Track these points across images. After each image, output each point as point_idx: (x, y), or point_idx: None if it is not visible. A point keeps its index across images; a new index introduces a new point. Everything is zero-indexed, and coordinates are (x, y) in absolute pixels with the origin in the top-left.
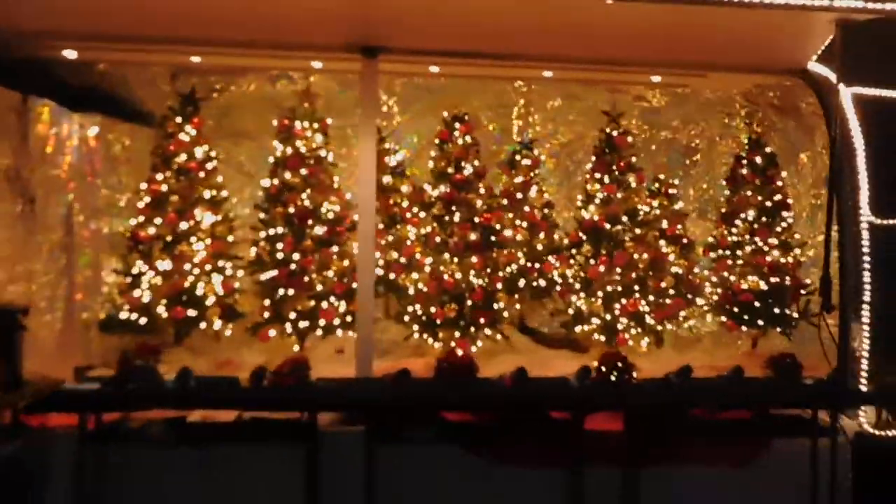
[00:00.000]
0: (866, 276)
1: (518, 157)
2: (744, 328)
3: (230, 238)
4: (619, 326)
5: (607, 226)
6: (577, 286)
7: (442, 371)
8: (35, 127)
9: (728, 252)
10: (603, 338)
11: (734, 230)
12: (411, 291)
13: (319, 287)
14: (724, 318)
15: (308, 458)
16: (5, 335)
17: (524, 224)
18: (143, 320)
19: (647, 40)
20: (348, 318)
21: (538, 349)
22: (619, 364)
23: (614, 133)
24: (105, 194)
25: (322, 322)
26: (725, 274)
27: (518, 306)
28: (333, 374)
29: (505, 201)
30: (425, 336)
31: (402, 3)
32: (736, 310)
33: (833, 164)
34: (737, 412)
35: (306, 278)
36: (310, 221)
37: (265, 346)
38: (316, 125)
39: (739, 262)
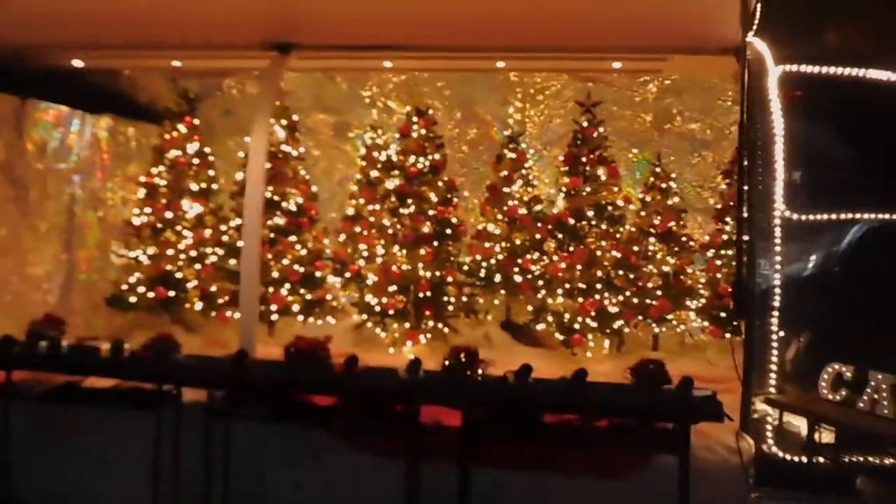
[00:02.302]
0: (776, 279)
1: (505, 151)
2: (727, 335)
3: (221, 227)
4: (577, 326)
5: (571, 221)
6: (540, 283)
7: (289, 354)
8: (35, 126)
9: (721, 251)
10: (561, 337)
11: (727, 228)
12: (369, 282)
13: (275, 274)
14: (706, 324)
15: (155, 425)
16: None
17: (504, 219)
18: (132, 299)
19: (557, 25)
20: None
21: (514, 346)
22: (464, 358)
23: (585, 124)
24: (111, 185)
25: (273, 307)
26: (718, 275)
27: (496, 301)
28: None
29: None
30: (374, 326)
31: (315, 2)
32: (723, 315)
33: (742, 151)
34: (591, 419)
35: (272, 266)
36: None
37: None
38: (284, 121)
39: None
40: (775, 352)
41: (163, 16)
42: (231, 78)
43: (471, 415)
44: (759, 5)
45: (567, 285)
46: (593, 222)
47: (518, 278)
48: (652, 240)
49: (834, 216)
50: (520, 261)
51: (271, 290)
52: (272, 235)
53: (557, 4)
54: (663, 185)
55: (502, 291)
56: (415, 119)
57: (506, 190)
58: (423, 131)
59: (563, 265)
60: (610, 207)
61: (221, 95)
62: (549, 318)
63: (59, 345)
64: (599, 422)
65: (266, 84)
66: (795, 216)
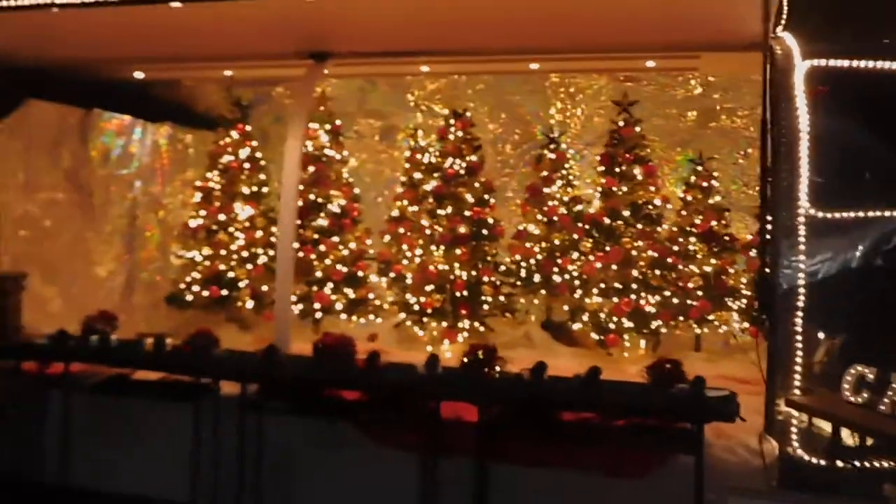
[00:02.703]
0: (800, 278)
1: (545, 152)
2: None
3: (272, 229)
4: (612, 326)
5: (607, 220)
6: (577, 283)
7: (317, 350)
8: (99, 135)
9: None
10: (597, 337)
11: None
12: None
13: (319, 274)
14: (746, 325)
15: (194, 416)
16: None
17: (544, 219)
18: (189, 297)
19: (588, 25)
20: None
21: (554, 346)
22: (481, 356)
23: (622, 123)
24: (170, 189)
25: (317, 305)
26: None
27: (536, 301)
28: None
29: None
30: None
31: (347, 12)
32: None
33: (765, 149)
34: (609, 419)
35: (316, 266)
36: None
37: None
38: (328, 126)
39: None
40: (800, 352)
41: (207, 29)
42: (281, 86)
43: (487, 411)
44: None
45: (602, 285)
46: (630, 222)
47: (557, 278)
48: (693, 239)
49: (859, 214)
50: (559, 261)
51: (315, 289)
52: (315, 236)
53: (588, 5)
54: (705, 184)
55: (543, 291)
56: (452, 122)
57: (546, 190)
58: (460, 133)
59: (598, 265)
60: (648, 207)
61: (272, 102)
62: (585, 318)
63: (109, 339)
64: (615, 420)
65: (301, 92)
66: (820, 214)
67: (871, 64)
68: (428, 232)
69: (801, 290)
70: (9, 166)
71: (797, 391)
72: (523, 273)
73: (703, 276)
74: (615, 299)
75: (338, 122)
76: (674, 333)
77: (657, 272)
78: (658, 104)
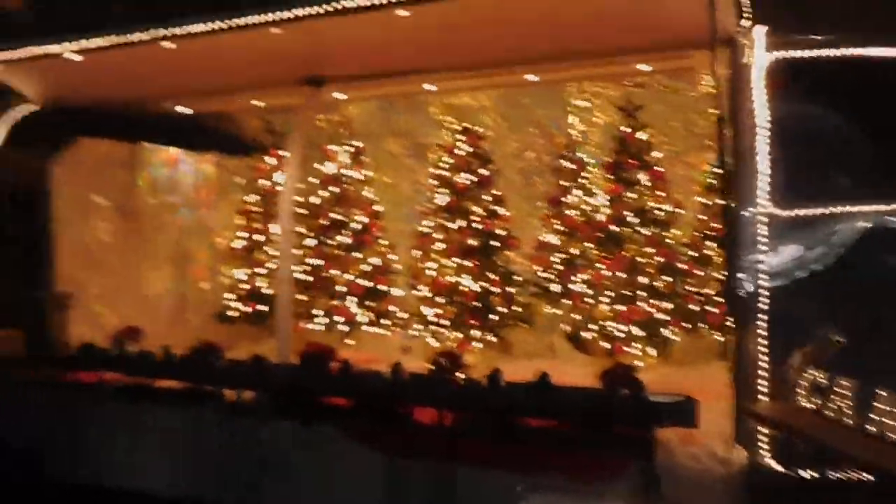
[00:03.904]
0: (762, 280)
1: (562, 161)
2: None
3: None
4: (620, 334)
5: (613, 227)
6: (588, 291)
7: (301, 358)
8: (148, 166)
9: None
10: (607, 345)
11: None
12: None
13: (341, 288)
14: None
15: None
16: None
17: (562, 228)
18: (233, 313)
19: (575, 31)
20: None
21: (576, 356)
22: (445, 363)
23: (627, 129)
24: (216, 214)
25: (341, 319)
26: None
27: (558, 311)
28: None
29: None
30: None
31: (343, 36)
32: None
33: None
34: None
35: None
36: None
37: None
38: (350, 148)
39: None
40: (764, 358)
41: (214, 65)
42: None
43: (450, 416)
44: None
45: (610, 293)
46: (637, 228)
47: (575, 287)
48: (711, 244)
49: (823, 210)
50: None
51: (336, 302)
52: (338, 252)
53: (571, 10)
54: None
55: (566, 301)
56: (461, 137)
57: (565, 200)
58: (469, 148)
59: (606, 273)
60: (656, 212)
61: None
62: (593, 327)
63: (127, 351)
64: (566, 425)
65: (299, 117)
66: (781, 212)
67: (836, 53)
68: (441, 245)
69: (763, 293)
70: (64, 197)
71: (761, 398)
72: (541, 283)
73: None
74: (622, 307)
75: (358, 143)
76: (689, 340)
77: (667, 278)
78: (673, 107)
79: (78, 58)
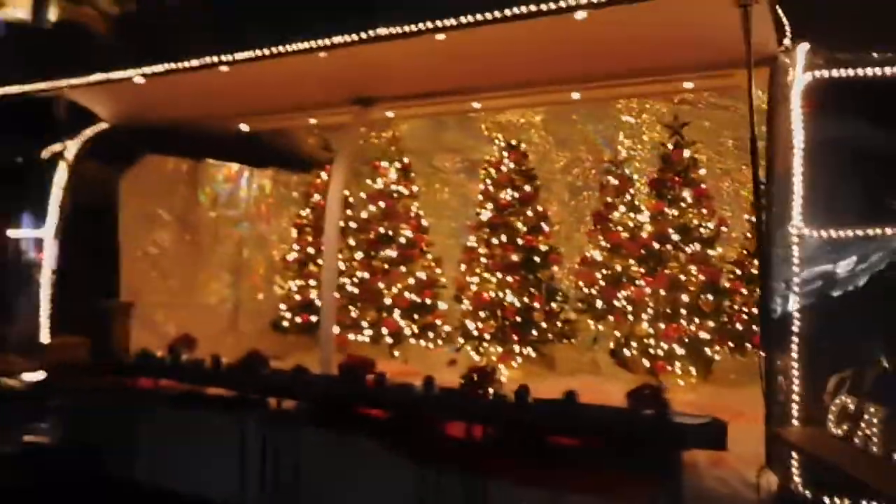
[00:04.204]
0: (795, 301)
1: (609, 178)
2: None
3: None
4: (659, 352)
5: (656, 245)
6: (630, 308)
7: (340, 370)
8: (209, 181)
9: None
10: (647, 363)
11: None
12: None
13: (388, 301)
14: None
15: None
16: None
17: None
18: (286, 324)
19: (622, 51)
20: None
21: (619, 373)
22: (476, 378)
23: (670, 147)
24: (274, 227)
25: (385, 331)
26: None
27: (600, 327)
28: (447, 382)
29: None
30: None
31: (390, 58)
32: None
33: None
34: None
35: (385, 293)
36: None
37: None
38: (398, 164)
39: None
40: (796, 381)
41: (278, 84)
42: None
43: (479, 430)
44: (787, 12)
45: (651, 310)
46: (679, 246)
47: (619, 304)
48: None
49: (857, 232)
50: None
51: (384, 315)
52: (385, 266)
53: (620, 32)
54: None
55: (610, 317)
56: (505, 154)
57: (611, 216)
58: (512, 165)
59: (647, 290)
60: (700, 230)
61: (361, 143)
62: (633, 344)
63: (179, 359)
64: (592, 443)
65: (345, 135)
66: (815, 233)
67: (877, 72)
68: (483, 260)
69: (797, 315)
70: (130, 210)
71: (795, 422)
72: (585, 299)
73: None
74: (662, 325)
75: (405, 159)
76: (733, 360)
77: (709, 297)
78: (722, 124)
79: (141, 80)
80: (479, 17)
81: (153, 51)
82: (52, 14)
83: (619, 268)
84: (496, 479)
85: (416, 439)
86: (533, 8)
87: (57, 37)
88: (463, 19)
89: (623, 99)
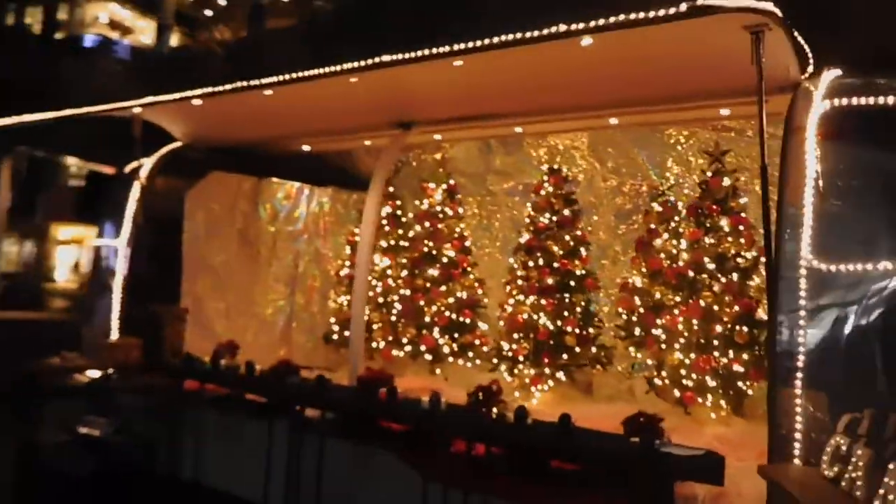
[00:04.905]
0: (800, 335)
1: (653, 205)
2: None
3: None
4: (690, 383)
5: (691, 273)
6: (663, 336)
7: (359, 382)
8: (270, 198)
9: None
10: (678, 394)
11: None
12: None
13: (427, 319)
14: None
15: (269, 429)
16: (155, 328)
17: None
18: (336, 337)
19: (656, 80)
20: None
21: (657, 402)
22: (481, 396)
23: (709, 174)
24: (331, 243)
25: (423, 347)
26: None
27: (639, 355)
28: None
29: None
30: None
31: (427, 88)
32: None
33: (766, 196)
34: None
35: (425, 311)
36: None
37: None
38: (444, 185)
39: None
40: (798, 418)
41: (332, 108)
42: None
43: (478, 447)
44: (810, 38)
45: (682, 340)
46: (715, 275)
47: (658, 332)
48: None
49: (868, 266)
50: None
51: (425, 332)
52: (427, 285)
53: (650, 54)
54: None
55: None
56: (546, 178)
57: (656, 243)
58: (551, 188)
59: (681, 319)
60: (737, 260)
61: (415, 165)
62: (664, 373)
63: (218, 364)
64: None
65: (384, 157)
66: (824, 266)
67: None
68: (520, 282)
69: (801, 350)
70: (194, 223)
71: (797, 461)
72: (624, 325)
73: None
74: (693, 356)
75: (451, 181)
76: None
77: (744, 329)
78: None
79: (199, 102)
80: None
81: (256, 71)
82: (173, 41)
83: (658, 295)
84: (493, 497)
85: (423, 454)
86: (563, 28)
87: (172, 60)
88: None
89: (661, 125)
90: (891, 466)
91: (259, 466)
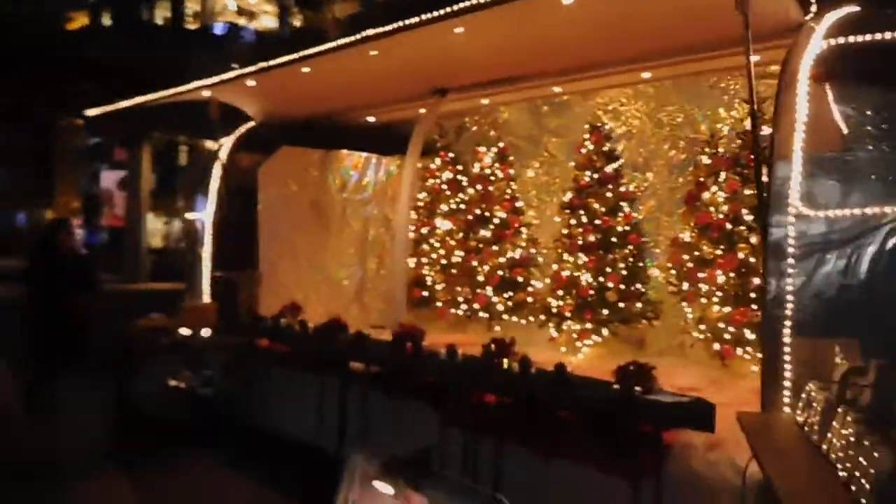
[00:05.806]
0: (789, 284)
1: (701, 157)
2: None
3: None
4: (727, 336)
5: (729, 226)
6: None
7: (393, 336)
8: (338, 168)
9: None
10: (717, 347)
11: None
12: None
13: (480, 279)
14: None
15: (321, 383)
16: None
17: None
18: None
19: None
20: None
21: (702, 355)
22: (494, 349)
23: (747, 124)
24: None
25: (476, 306)
26: None
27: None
28: (547, 359)
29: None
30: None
31: (461, 53)
32: None
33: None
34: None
35: (479, 271)
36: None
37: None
38: (495, 148)
39: None
40: (787, 366)
41: (380, 79)
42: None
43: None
44: None
45: (720, 294)
46: (753, 227)
47: (704, 287)
48: None
49: (857, 211)
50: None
51: (479, 291)
52: (480, 245)
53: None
54: None
55: (703, 300)
56: (587, 136)
57: (704, 196)
58: (592, 147)
59: (718, 272)
60: None
61: (474, 130)
62: (703, 327)
63: (279, 323)
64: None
65: (422, 122)
66: (814, 212)
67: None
68: (566, 241)
69: (790, 298)
70: (267, 195)
71: (787, 409)
72: (674, 280)
73: None
74: (729, 309)
75: (501, 143)
76: None
77: None
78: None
79: (252, 83)
80: None
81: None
82: (297, 22)
83: (705, 249)
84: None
85: (443, 402)
86: None
87: (292, 41)
88: None
89: (696, 75)
90: (839, 410)
91: (314, 413)
